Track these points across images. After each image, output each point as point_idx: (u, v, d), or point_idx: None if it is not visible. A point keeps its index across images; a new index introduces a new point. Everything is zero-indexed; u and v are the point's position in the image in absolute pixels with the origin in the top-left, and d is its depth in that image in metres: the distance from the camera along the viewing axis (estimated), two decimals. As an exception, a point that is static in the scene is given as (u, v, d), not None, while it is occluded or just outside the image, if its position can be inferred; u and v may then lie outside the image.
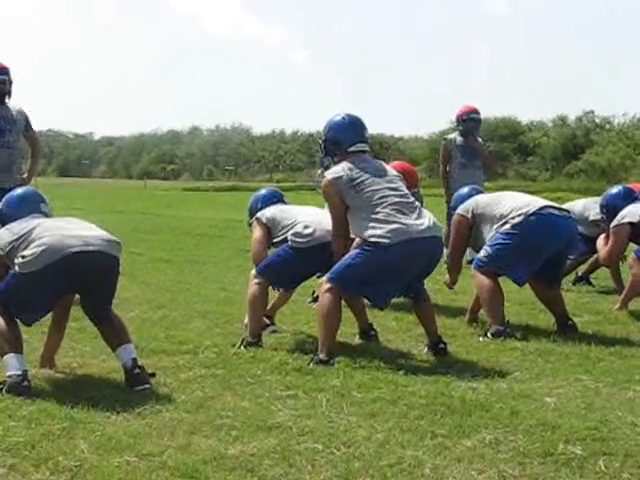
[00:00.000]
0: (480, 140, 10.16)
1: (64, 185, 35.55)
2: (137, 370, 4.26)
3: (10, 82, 7.37)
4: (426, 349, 5.15)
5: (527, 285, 5.95)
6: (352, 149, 5.12)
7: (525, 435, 3.51)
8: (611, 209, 6.83)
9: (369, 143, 5.27)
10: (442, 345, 5.10)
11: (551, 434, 3.50)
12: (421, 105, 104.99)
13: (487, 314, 5.72)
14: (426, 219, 4.94)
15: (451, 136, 10.18)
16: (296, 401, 4.05)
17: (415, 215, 4.92)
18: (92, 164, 69.83)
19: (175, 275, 8.94)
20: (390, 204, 4.88)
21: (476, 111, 9.96)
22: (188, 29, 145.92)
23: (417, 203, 5.09)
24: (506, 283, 5.84)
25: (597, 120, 42.63)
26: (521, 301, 6.76)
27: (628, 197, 6.91)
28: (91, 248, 4.31)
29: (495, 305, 5.63)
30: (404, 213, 4.88)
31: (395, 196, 4.94)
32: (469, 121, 9.86)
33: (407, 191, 5.09)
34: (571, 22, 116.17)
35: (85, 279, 4.34)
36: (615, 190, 7.15)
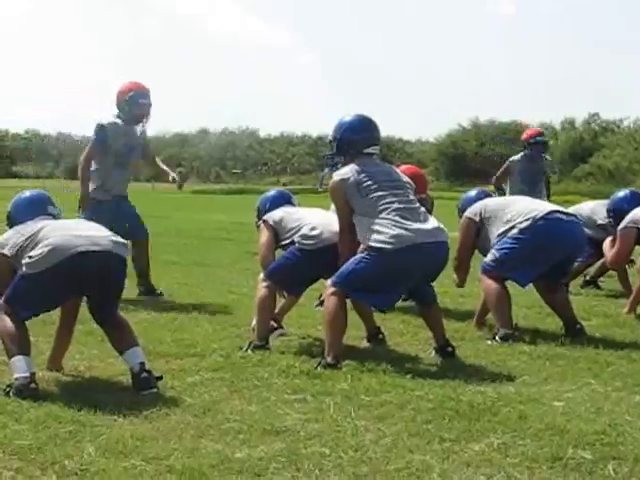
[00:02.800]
0: (549, 159, 10.28)
1: (72, 188, 35.51)
2: (144, 374, 4.25)
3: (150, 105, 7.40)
4: (434, 352, 5.13)
5: (535, 288, 5.94)
6: (367, 150, 5.12)
7: (533, 439, 3.49)
8: (618, 212, 6.84)
9: (380, 146, 5.27)
10: (450, 348, 5.09)
11: (560, 438, 3.48)
12: (428, 108, 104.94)
13: (495, 318, 5.70)
14: (431, 224, 4.93)
15: (516, 158, 9.91)
16: (303, 405, 4.03)
17: (420, 221, 4.90)
18: (100, 167, 70.00)
19: (183, 278, 8.94)
20: (394, 210, 4.87)
21: (542, 133, 10.19)
22: (193, 32, 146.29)
23: (422, 209, 5.07)
24: (513, 286, 5.82)
25: (604, 123, 42.60)
26: (529, 304, 6.74)
27: (635, 200, 6.91)
28: (98, 248, 4.31)
29: (503, 308, 5.61)
30: (408, 219, 4.86)
31: (400, 202, 4.92)
32: (536, 144, 9.78)
33: (413, 197, 5.08)
34: (576, 22, 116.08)
35: (92, 279, 4.33)
36: (622, 194, 7.16)
